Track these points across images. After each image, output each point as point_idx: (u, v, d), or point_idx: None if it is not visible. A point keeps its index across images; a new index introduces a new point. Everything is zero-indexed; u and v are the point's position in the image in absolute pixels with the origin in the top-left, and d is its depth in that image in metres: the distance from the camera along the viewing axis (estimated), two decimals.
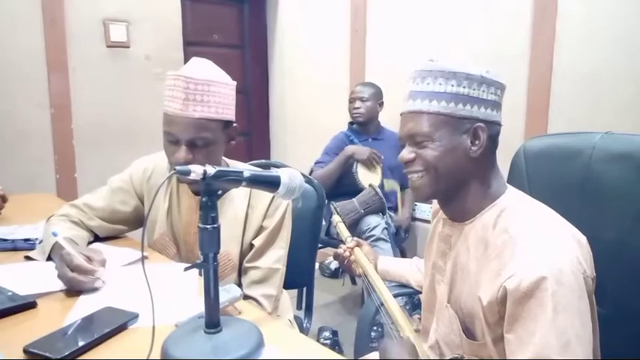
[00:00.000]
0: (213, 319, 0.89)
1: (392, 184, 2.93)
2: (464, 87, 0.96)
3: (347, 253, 1.45)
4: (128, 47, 3.02)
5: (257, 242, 1.37)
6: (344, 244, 1.49)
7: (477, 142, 0.97)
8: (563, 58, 2.39)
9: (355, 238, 1.48)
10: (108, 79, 2.96)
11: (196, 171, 0.82)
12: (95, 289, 1.14)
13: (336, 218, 1.60)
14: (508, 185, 1.04)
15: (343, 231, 1.52)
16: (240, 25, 3.82)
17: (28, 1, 2.65)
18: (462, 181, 1.00)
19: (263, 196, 1.37)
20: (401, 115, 1.03)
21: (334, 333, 2.57)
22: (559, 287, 0.82)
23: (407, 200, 3.03)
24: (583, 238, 0.94)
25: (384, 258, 1.49)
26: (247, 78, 3.90)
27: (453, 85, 0.95)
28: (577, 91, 2.36)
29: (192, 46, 3.43)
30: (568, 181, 1.25)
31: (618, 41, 2.22)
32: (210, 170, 0.83)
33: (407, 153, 1.01)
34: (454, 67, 0.96)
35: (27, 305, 1.05)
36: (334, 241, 2.67)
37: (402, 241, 3.02)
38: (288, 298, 1.56)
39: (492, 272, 0.92)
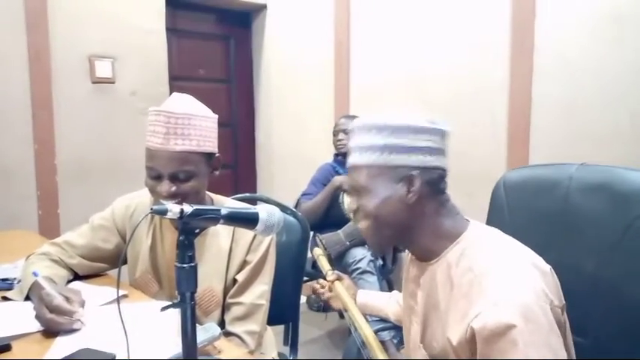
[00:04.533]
0: None
1: None
2: (395, 137, 0.98)
3: (324, 289, 1.44)
4: (113, 83, 3.01)
5: (240, 277, 1.36)
6: (324, 278, 1.46)
7: (412, 189, 0.98)
8: (541, 90, 2.45)
9: (336, 272, 1.46)
10: (93, 114, 2.95)
11: (173, 210, 0.82)
12: (73, 330, 1.12)
13: (317, 251, 1.55)
14: (470, 220, 1.04)
15: (324, 264, 1.50)
16: (226, 59, 3.86)
17: (13, 37, 2.66)
18: (407, 226, 1.01)
19: (247, 231, 1.36)
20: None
21: None
22: (527, 324, 0.82)
23: None
24: (547, 267, 0.94)
25: (363, 292, 1.47)
26: (234, 111, 3.92)
27: (384, 136, 0.98)
28: (556, 121, 2.41)
29: (179, 81, 3.44)
30: (547, 213, 1.27)
31: (592, 73, 2.28)
32: (188, 209, 0.83)
33: (351, 204, 1.07)
34: (385, 120, 0.99)
35: (0, 348, 1.03)
36: (322, 274, 2.64)
37: (390, 273, 3.00)
38: (272, 334, 1.54)
39: (460, 312, 0.91)
